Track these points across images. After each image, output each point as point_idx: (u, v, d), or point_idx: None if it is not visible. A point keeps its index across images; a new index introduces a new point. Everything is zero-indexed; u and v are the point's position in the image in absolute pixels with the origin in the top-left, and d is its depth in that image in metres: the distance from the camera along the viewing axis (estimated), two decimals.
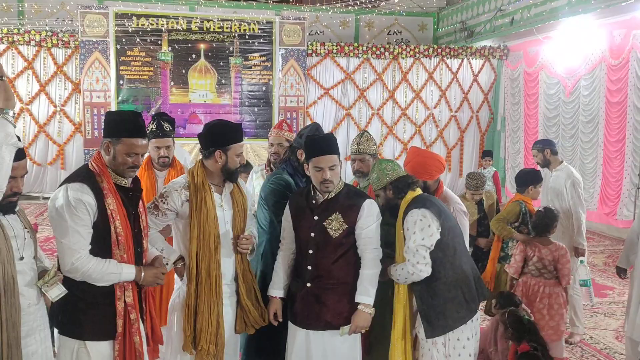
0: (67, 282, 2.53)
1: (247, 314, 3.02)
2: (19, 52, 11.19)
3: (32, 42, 11.18)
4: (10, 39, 11.07)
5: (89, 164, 2.65)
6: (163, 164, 4.07)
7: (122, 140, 2.59)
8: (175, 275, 3.06)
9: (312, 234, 2.97)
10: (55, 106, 11.50)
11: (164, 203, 2.91)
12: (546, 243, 4.20)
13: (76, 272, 2.50)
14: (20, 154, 2.38)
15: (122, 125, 2.62)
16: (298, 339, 3.03)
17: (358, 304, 2.93)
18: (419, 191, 3.15)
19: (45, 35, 11.20)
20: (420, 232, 2.93)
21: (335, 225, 2.95)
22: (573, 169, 5.17)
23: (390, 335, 3.24)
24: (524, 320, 3.67)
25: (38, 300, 2.57)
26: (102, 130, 2.83)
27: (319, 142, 2.99)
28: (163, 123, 4.07)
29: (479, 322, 3.16)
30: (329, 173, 2.91)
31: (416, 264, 2.92)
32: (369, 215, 2.96)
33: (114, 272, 2.55)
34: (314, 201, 3.01)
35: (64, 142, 11.59)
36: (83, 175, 2.59)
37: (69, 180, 2.58)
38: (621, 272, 4.26)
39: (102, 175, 2.59)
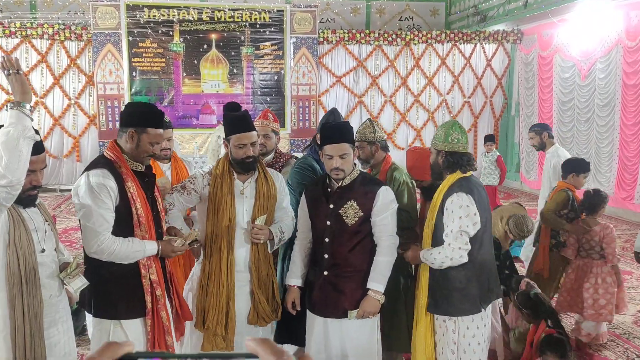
0: (95, 264, 2.62)
1: (258, 306, 3.04)
2: (33, 46, 11.27)
3: (45, 36, 11.25)
4: (23, 33, 11.14)
5: (105, 153, 2.76)
6: (165, 156, 4.05)
7: (147, 130, 2.69)
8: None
9: (328, 222, 2.98)
10: (69, 99, 11.58)
11: (191, 183, 3.08)
12: (593, 224, 4.30)
13: (102, 253, 2.58)
14: (39, 148, 2.43)
15: (149, 115, 2.73)
16: (316, 327, 3.05)
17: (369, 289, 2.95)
18: (469, 173, 3.06)
19: (58, 29, 11.26)
20: (466, 217, 2.88)
21: (350, 213, 2.95)
22: (563, 150, 5.48)
23: (404, 321, 3.27)
24: (531, 295, 3.70)
25: (60, 292, 2.64)
26: (116, 122, 2.94)
27: (330, 130, 2.99)
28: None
29: (489, 313, 3.13)
30: (339, 161, 2.91)
31: (457, 249, 2.87)
32: (385, 203, 2.95)
33: (139, 249, 2.64)
34: (329, 189, 3.01)
35: (79, 134, 11.69)
36: (102, 162, 2.69)
37: (89, 168, 2.68)
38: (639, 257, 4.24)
39: (119, 161, 2.69)
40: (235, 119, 3.03)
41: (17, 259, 2.33)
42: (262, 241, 3.00)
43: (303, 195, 3.13)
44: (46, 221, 2.61)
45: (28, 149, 2.22)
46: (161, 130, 2.78)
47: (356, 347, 3.01)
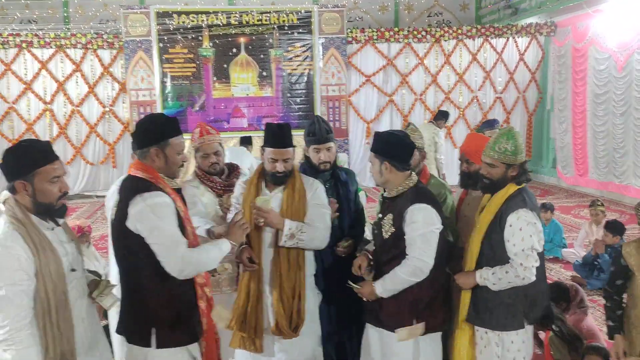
0: (141, 293, 2.54)
1: (278, 318, 2.99)
2: (67, 56, 11.54)
3: (79, 45, 11.50)
4: (58, 43, 11.42)
5: (136, 175, 2.58)
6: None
7: (169, 141, 2.61)
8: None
9: (376, 230, 3.01)
10: (104, 106, 11.81)
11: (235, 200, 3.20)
12: None
13: (188, 265, 2.49)
14: (52, 155, 2.38)
15: (166, 126, 2.64)
16: (365, 331, 3.09)
17: (411, 306, 2.86)
18: (522, 184, 2.90)
19: (91, 38, 11.50)
20: (535, 234, 2.78)
21: (387, 226, 2.91)
22: None
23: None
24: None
25: (90, 314, 2.58)
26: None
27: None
28: None
29: (532, 328, 3.03)
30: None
31: (529, 267, 2.74)
32: (414, 222, 2.81)
33: (214, 249, 2.62)
34: (385, 198, 3.05)
35: (113, 141, 11.92)
36: (146, 184, 2.53)
37: (131, 194, 2.50)
38: None
39: (160, 182, 2.57)
40: (272, 132, 3.03)
41: (44, 284, 2.26)
42: (261, 223, 2.96)
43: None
44: (72, 240, 2.52)
45: None
46: (182, 136, 2.69)
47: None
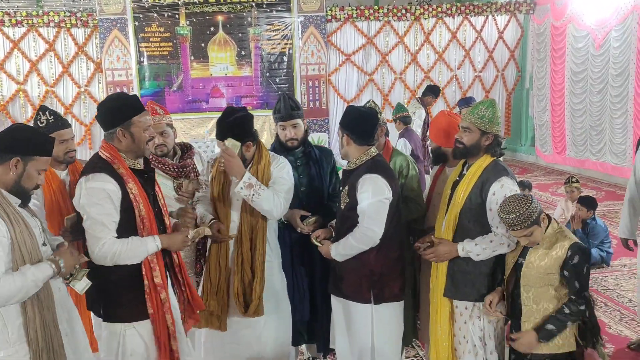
0: (101, 270, 2.60)
1: (249, 291, 3.08)
2: (40, 34, 11.25)
3: (52, 24, 11.22)
4: (30, 22, 11.13)
5: (100, 153, 2.67)
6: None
7: (133, 120, 2.62)
8: None
9: (337, 203, 3.13)
10: (79, 87, 11.59)
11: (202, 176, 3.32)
12: None
13: (105, 257, 2.56)
14: (48, 151, 2.43)
15: (127, 106, 2.66)
16: (332, 303, 3.18)
17: (368, 277, 2.97)
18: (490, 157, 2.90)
19: (64, 16, 11.23)
20: None
21: (343, 197, 3.01)
22: None
23: (410, 312, 3.28)
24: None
25: (62, 285, 2.65)
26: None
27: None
28: None
29: None
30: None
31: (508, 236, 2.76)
32: (364, 192, 2.88)
33: (140, 245, 2.60)
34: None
35: (89, 122, 11.72)
36: (99, 165, 2.62)
37: (86, 172, 2.62)
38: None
39: (117, 162, 2.62)
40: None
41: (21, 255, 2.30)
42: (222, 167, 3.04)
43: None
44: (35, 216, 2.56)
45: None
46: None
47: (352, 332, 3.08)
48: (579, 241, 2.68)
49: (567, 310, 2.60)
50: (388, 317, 3.04)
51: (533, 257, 2.67)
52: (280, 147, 3.36)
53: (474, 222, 2.86)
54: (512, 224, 2.54)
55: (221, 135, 3.02)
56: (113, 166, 2.61)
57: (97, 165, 2.63)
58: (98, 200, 2.53)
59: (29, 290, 2.27)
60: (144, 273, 2.63)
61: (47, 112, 3.18)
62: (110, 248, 2.54)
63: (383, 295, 2.98)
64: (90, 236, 2.56)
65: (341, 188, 3.09)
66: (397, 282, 3.03)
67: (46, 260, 2.38)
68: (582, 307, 2.59)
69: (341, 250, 2.96)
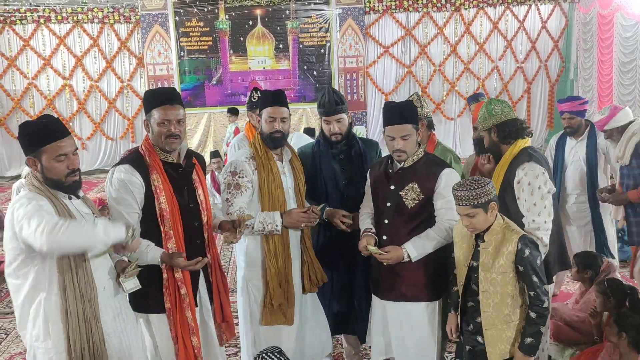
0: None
1: (313, 269, 3.15)
2: (85, 31, 11.55)
3: (96, 20, 11.50)
4: (75, 18, 11.43)
5: (141, 145, 2.73)
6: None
7: (152, 113, 2.64)
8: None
9: (388, 204, 2.92)
10: (122, 81, 11.85)
11: (242, 177, 3.01)
12: None
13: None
14: (63, 132, 2.38)
15: (152, 98, 2.67)
16: (377, 310, 3.05)
17: (432, 273, 2.87)
18: (528, 141, 2.94)
19: (107, 12, 11.48)
20: (543, 184, 2.81)
21: (411, 195, 2.86)
22: None
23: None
24: (625, 287, 3.38)
25: (116, 289, 2.57)
26: None
27: (390, 111, 2.88)
28: None
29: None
30: (401, 143, 2.81)
31: (547, 217, 2.80)
32: (447, 186, 2.78)
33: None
34: (390, 170, 2.94)
35: (132, 116, 11.98)
36: (130, 156, 2.69)
37: (117, 162, 2.71)
38: None
39: (149, 154, 2.65)
40: (269, 94, 3.14)
41: None
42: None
43: (368, 174, 3.10)
44: (94, 214, 2.53)
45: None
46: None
47: (416, 333, 2.94)
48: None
49: (533, 315, 2.50)
50: (436, 314, 3.01)
51: (485, 258, 2.56)
52: (324, 140, 3.35)
53: (508, 211, 2.84)
54: (460, 198, 2.47)
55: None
56: (144, 158, 2.64)
57: (127, 156, 2.71)
58: (120, 192, 2.58)
59: (95, 241, 2.25)
60: (163, 267, 2.61)
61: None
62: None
63: (444, 290, 2.95)
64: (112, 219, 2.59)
65: (392, 187, 2.92)
66: (444, 278, 2.95)
67: (123, 223, 2.35)
68: (545, 305, 2.49)
69: (420, 250, 2.82)
